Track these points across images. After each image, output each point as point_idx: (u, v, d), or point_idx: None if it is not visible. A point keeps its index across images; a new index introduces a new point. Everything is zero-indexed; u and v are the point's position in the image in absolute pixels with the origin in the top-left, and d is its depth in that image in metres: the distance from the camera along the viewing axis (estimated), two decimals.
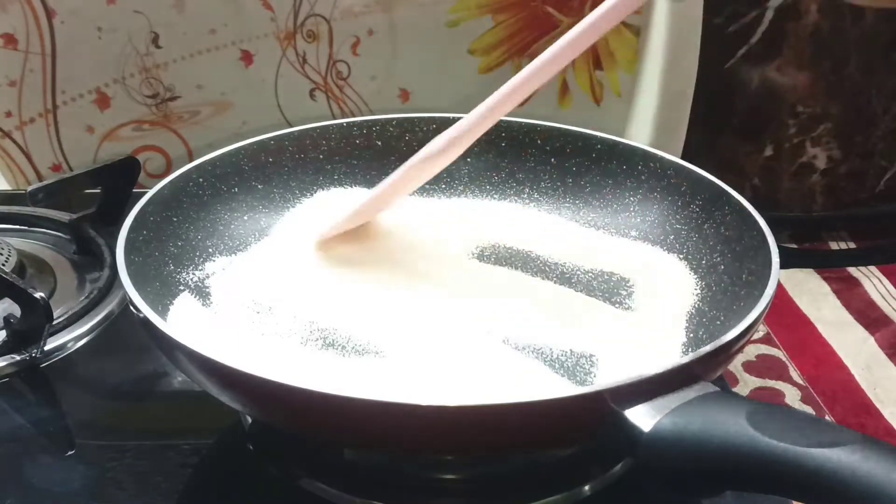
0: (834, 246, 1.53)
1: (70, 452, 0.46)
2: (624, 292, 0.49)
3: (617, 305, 0.48)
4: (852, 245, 1.52)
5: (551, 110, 0.87)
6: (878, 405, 1.13)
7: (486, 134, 0.47)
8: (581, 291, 0.49)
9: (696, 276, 0.49)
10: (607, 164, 0.55)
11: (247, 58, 0.80)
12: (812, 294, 1.39)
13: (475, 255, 0.52)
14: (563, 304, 0.48)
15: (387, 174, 0.50)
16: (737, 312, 0.42)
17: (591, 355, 0.43)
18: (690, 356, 0.35)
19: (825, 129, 1.40)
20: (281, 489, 0.42)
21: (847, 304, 1.35)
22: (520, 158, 0.58)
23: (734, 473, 0.31)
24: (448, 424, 0.32)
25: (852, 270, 1.44)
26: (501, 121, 0.49)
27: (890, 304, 1.34)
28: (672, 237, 0.52)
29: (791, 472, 0.29)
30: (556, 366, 0.43)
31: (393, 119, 0.59)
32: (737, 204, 0.48)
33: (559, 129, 0.57)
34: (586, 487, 0.42)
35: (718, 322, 0.44)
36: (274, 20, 0.78)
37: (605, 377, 0.42)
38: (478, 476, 0.42)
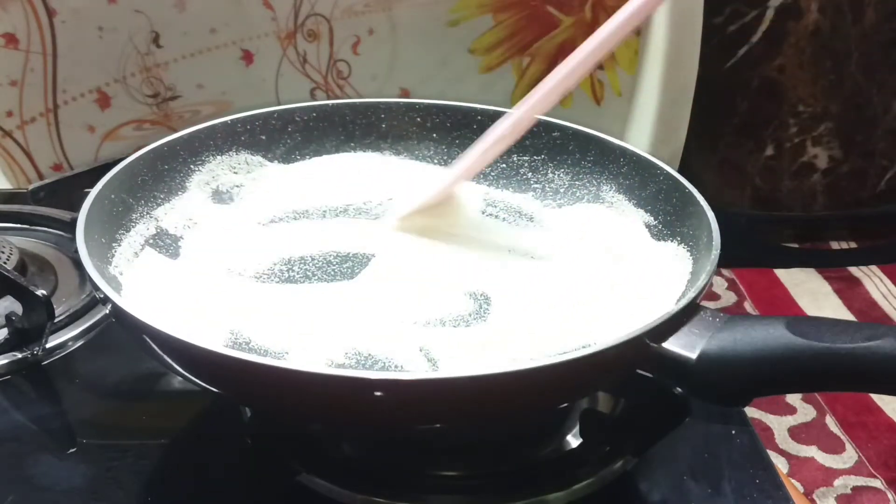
0: (835, 245, 1.53)
1: (71, 450, 0.46)
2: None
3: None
4: (853, 245, 1.52)
5: (552, 109, 0.87)
6: (878, 403, 1.13)
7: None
8: None
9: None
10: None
11: (247, 57, 0.80)
12: (813, 294, 1.39)
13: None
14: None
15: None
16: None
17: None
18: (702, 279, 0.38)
19: (826, 129, 1.39)
20: (279, 484, 0.42)
21: (848, 304, 1.35)
22: None
23: (782, 378, 0.35)
24: (524, 381, 0.33)
25: (853, 270, 1.43)
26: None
27: (891, 304, 1.34)
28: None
29: (836, 367, 0.33)
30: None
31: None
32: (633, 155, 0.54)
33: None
34: (585, 484, 0.42)
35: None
36: (274, 19, 0.79)
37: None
38: (477, 472, 0.42)
